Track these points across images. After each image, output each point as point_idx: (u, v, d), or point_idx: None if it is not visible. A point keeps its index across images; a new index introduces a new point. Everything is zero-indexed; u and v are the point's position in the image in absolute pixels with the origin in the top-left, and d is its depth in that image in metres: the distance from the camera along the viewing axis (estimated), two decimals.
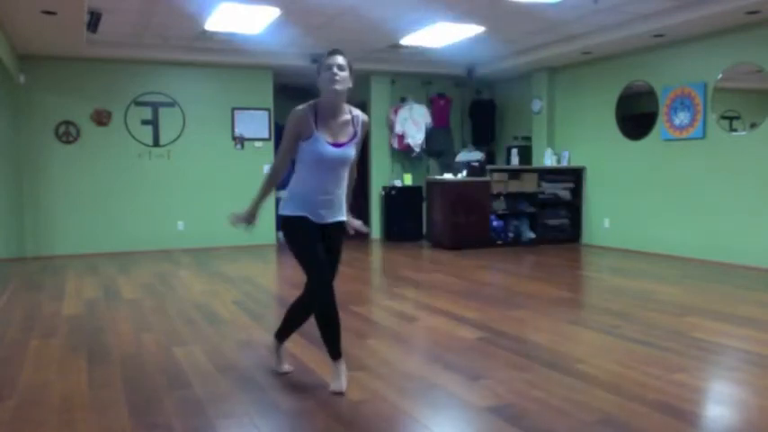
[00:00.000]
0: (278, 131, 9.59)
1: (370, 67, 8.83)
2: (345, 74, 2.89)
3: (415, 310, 4.72)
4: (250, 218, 3.07)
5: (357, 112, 3.05)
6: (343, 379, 2.99)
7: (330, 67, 2.86)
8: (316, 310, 2.99)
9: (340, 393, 2.94)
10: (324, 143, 2.89)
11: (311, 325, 4.33)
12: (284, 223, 3.01)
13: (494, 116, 10.25)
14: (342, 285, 6.05)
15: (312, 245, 2.94)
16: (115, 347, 3.81)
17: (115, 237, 8.28)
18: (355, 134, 3.00)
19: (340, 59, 2.89)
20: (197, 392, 2.99)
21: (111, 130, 8.23)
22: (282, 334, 3.29)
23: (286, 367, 3.30)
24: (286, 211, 2.99)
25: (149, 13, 6.43)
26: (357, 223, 3.21)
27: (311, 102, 2.94)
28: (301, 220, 2.95)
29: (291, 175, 3.04)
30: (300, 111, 2.90)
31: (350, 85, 2.93)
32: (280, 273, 7.01)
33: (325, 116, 2.93)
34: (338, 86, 2.87)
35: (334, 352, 2.99)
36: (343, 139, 2.95)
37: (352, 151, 2.98)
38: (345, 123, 2.97)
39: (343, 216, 3.08)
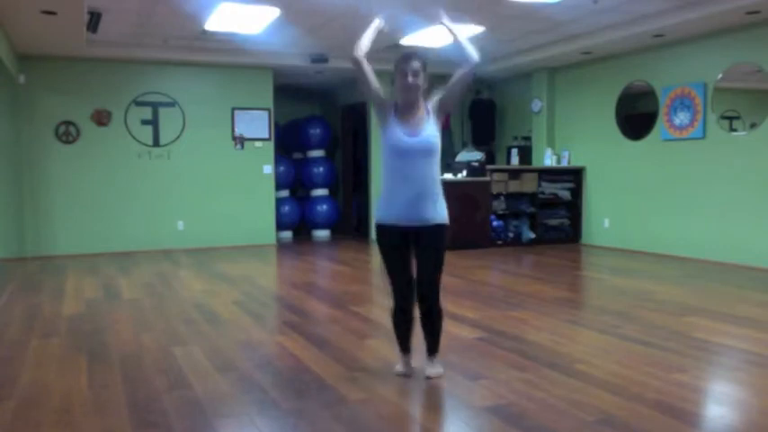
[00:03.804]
0: (278, 131, 9.60)
1: None
2: (419, 79, 2.99)
3: (414, 309, 4.71)
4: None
5: (428, 102, 3.11)
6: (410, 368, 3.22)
7: (405, 75, 2.98)
8: (391, 313, 3.21)
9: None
10: (399, 132, 3.00)
11: (312, 325, 4.34)
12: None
13: (494, 116, 10.25)
14: (342, 285, 6.05)
15: (389, 261, 3.09)
16: (115, 347, 3.81)
17: (115, 237, 8.28)
18: (429, 120, 3.05)
19: (415, 65, 2.99)
20: (197, 392, 2.99)
21: (111, 130, 8.23)
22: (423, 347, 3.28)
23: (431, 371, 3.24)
24: (375, 216, 3.14)
25: (149, 13, 6.43)
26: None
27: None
28: (382, 230, 3.08)
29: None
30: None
31: (425, 86, 3.04)
32: (280, 273, 7.01)
33: (402, 112, 3.05)
34: (411, 95, 3.01)
35: (403, 346, 3.22)
36: (420, 129, 3.02)
37: (431, 138, 3.03)
38: (422, 118, 3.05)
39: (440, 219, 3.06)
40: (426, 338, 3.19)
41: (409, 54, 3.06)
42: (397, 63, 3.04)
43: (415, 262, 3.10)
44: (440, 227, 3.05)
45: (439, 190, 3.08)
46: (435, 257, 3.07)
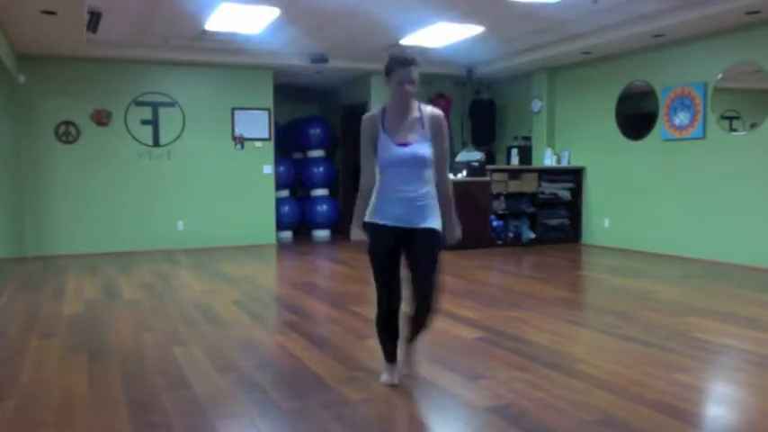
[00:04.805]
0: (277, 131, 9.60)
1: (371, 67, 8.81)
2: (415, 86, 2.90)
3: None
4: (362, 231, 3.09)
5: (427, 109, 2.99)
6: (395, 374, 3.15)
7: (401, 83, 2.86)
8: (376, 321, 3.12)
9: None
10: (390, 143, 2.91)
11: (312, 325, 4.34)
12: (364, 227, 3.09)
13: (494, 116, 10.25)
14: (342, 285, 6.05)
15: (378, 261, 3.05)
16: (115, 347, 3.81)
17: (115, 237, 8.28)
18: (424, 132, 2.94)
19: (414, 73, 2.87)
20: (197, 392, 2.99)
21: (111, 130, 8.23)
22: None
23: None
24: (366, 216, 3.03)
25: (149, 13, 6.43)
26: (457, 233, 3.12)
27: (380, 106, 3.01)
28: (373, 228, 3.00)
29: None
30: (368, 115, 3.00)
31: (416, 90, 2.96)
32: (280, 273, 7.01)
33: (392, 118, 2.95)
34: (406, 101, 2.92)
35: (388, 357, 3.16)
36: (411, 139, 2.91)
37: (422, 150, 2.90)
38: (414, 122, 2.94)
39: (432, 223, 2.97)
40: (412, 329, 3.10)
41: (407, 60, 2.87)
42: (392, 66, 2.88)
43: (410, 269, 3.02)
44: (432, 230, 2.97)
45: (432, 198, 2.98)
46: (430, 254, 2.98)
